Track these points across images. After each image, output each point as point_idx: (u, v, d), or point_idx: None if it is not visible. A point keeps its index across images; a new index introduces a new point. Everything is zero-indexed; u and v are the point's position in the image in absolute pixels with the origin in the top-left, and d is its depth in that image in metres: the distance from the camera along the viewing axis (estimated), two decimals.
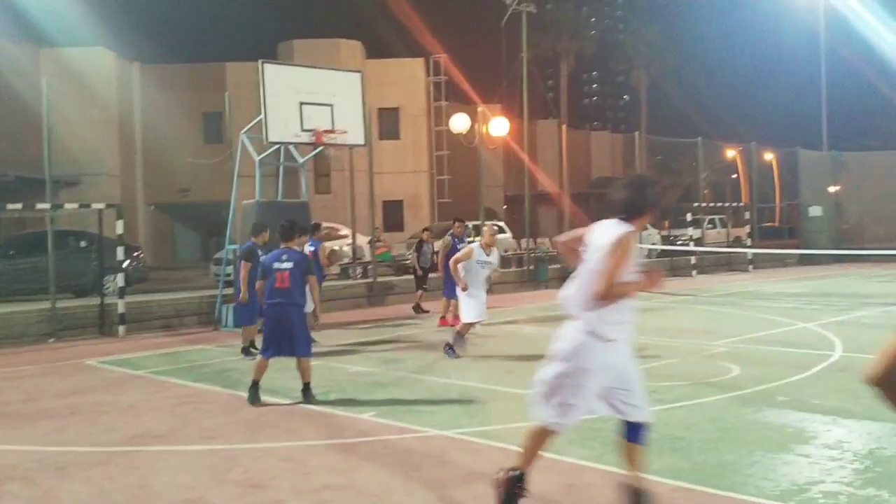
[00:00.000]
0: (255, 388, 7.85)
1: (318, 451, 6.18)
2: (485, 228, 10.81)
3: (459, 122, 22.81)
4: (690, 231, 27.53)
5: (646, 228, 25.16)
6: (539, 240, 25.59)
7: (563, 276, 22.70)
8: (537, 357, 9.95)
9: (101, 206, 14.53)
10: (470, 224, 16.15)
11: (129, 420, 7.39)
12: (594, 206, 37.50)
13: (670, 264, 24.80)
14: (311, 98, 14.59)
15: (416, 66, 36.37)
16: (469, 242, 12.67)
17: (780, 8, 41.70)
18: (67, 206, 14.63)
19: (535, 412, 4.46)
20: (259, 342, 8.61)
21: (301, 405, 7.70)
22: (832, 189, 32.37)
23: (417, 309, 15.94)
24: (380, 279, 19.43)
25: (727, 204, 37.12)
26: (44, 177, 14.01)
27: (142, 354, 11.64)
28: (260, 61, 14.46)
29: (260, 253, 9.95)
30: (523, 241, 25.48)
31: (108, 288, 14.82)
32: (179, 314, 15.11)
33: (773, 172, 43.13)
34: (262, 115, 14.12)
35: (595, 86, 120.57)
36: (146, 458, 6.10)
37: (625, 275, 4.16)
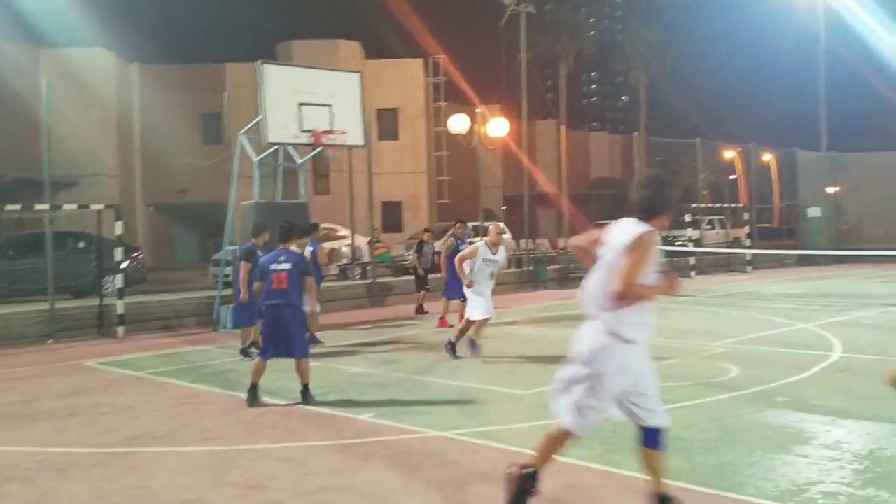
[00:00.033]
0: (253, 390, 7.85)
1: (317, 451, 6.18)
2: (491, 227, 10.80)
3: (458, 123, 22.83)
4: (689, 232, 27.51)
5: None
6: (538, 240, 25.57)
7: (562, 277, 22.76)
8: (536, 358, 10.01)
9: (99, 206, 14.51)
10: (469, 225, 16.13)
11: (129, 421, 7.39)
12: (593, 206, 37.57)
13: (669, 265, 24.74)
14: (309, 99, 14.57)
15: (415, 66, 36.37)
16: (471, 244, 12.66)
17: (780, 9, 41.70)
18: (66, 206, 14.60)
19: (554, 413, 4.43)
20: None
21: (300, 406, 7.70)
22: (831, 190, 32.39)
23: (420, 310, 15.92)
24: (379, 280, 19.43)
25: (726, 205, 37.12)
26: (43, 177, 13.99)
27: (141, 355, 11.64)
28: (259, 62, 14.45)
29: (260, 254, 9.95)
30: (522, 242, 25.49)
31: (107, 289, 14.81)
32: (178, 315, 15.10)
33: (771, 173, 43.18)
34: (261, 116, 14.12)
35: (594, 86, 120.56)
36: (145, 459, 6.10)
37: (644, 275, 4.12)
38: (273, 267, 7.91)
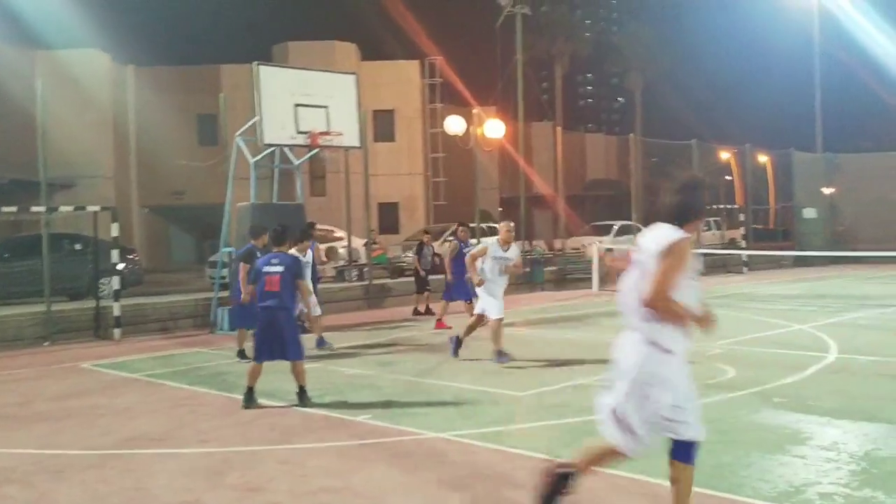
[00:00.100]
0: (250, 393, 7.83)
1: (314, 453, 6.17)
2: (501, 225, 10.75)
3: (454, 124, 22.85)
4: None
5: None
6: (535, 242, 25.58)
7: (558, 279, 22.77)
8: (534, 359, 10.01)
9: (95, 208, 14.48)
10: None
11: (125, 423, 7.38)
12: (589, 207, 37.57)
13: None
14: (306, 100, 14.56)
15: (411, 68, 36.36)
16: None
17: (775, 10, 41.84)
18: (62, 208, 14.57)
19: (603, 434, 4.22)
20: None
21: (297, 408, 7.70)
22: (826, 191, 32.45)
23: (427, 311, 15.85)
24: (376, 281, 19.42)
25: (722, 206, 37.17)
26: (38, 179, 13.98)
27: (137, 357, 11.62)
28: (254, 63, 14.43)
29: (259, 255, 9.94)
30: (518, 244, 25.48)
31: (103, 291, 14.79)
32: (175, 317, 15.08)
33: (767, 174, 43.23)
34: (257, 118, 14.10)
35: (590, 88, 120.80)
36: (142, 461, 6.09)
37: (679, 284, 3.95)
38: (266, 269, 7.91)
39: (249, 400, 7.79)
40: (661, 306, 3.93)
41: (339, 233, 22.74)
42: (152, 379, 9.74)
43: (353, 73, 16.53)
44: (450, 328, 12.92)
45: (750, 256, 27.00)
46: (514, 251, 10.31)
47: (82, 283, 16.05)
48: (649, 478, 5.03)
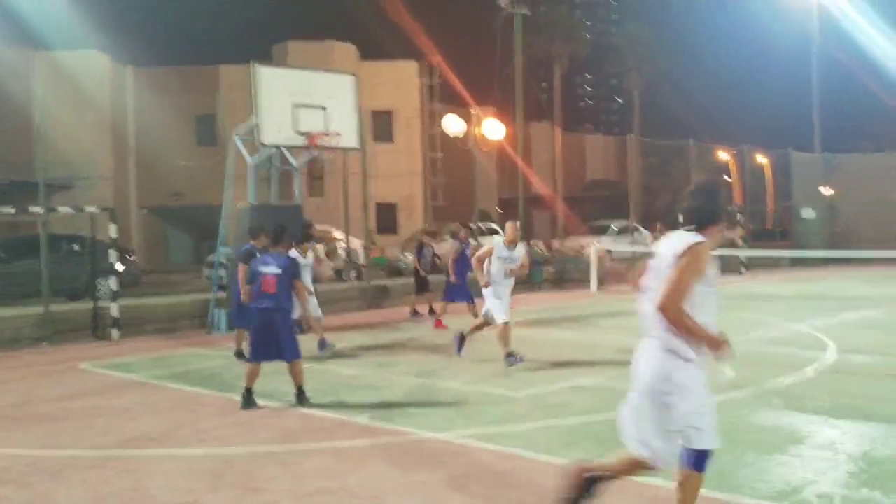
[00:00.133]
0: (248, 394, 7.83)
1: (312, 454, 6.17)
2: (508, 224, 10.71)
3: (453, 125, 22.84)
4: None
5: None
6: (533, 242, 25.59)
7: (557, 279, 22.77)
8: (532, 360, 9.98)
9: (94, 209, 14.48)
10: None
11: (124, 423, 7.38)
12: (588, 208, 37.57)
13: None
14: (304, 100, 14.53)
15: (409, 68, 36.36)
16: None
17: (774, 10, 41.89)
18: (61, 209, 14.56)
19: (628, 447, 4.17)
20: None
21: (295, 408, 7.70)
22: (825, 191, 32.47)
23: (430, 311, 15.81)
24: (374, 282, 19.42)
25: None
26: (37, 180, 13.97)
27: (135, 358, 11.61)
28: (252, 63, 14.40)
29: (258, 255, 9.93)
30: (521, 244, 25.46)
31: (100, 291, 14.77)
32: (173, 318, 15.07)
33: (765, 174, 43.26)
34: (255, 118, 14.09)
35: (589, 88, 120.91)
36: (141, 462, 6.09)
37: (694, 290, 3.88)
38: (262, 269, 7.90)
39: (248, 401, 7.79)
40: (672, 316, 3.85)
41: (338, 233, 22.73)
42: (151, 379, 9.73)
43: (352, 74, 16.48)
44: (447, 329, 12.92)
45: (748, 256, 27.00)
46: (520, 250, 10.28)
47: (80, 283, 16.03)
48: (649, 479, 5.03)
